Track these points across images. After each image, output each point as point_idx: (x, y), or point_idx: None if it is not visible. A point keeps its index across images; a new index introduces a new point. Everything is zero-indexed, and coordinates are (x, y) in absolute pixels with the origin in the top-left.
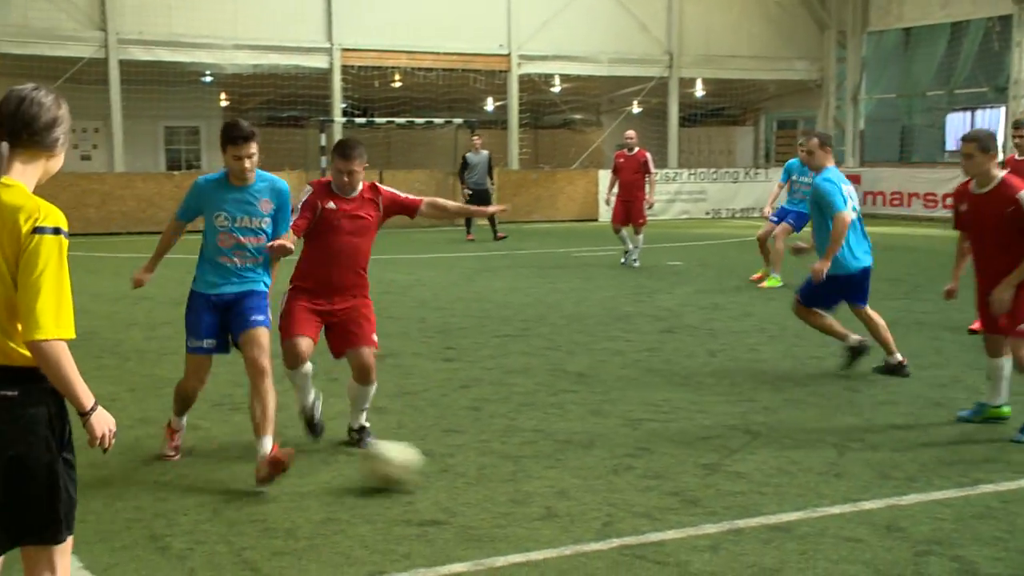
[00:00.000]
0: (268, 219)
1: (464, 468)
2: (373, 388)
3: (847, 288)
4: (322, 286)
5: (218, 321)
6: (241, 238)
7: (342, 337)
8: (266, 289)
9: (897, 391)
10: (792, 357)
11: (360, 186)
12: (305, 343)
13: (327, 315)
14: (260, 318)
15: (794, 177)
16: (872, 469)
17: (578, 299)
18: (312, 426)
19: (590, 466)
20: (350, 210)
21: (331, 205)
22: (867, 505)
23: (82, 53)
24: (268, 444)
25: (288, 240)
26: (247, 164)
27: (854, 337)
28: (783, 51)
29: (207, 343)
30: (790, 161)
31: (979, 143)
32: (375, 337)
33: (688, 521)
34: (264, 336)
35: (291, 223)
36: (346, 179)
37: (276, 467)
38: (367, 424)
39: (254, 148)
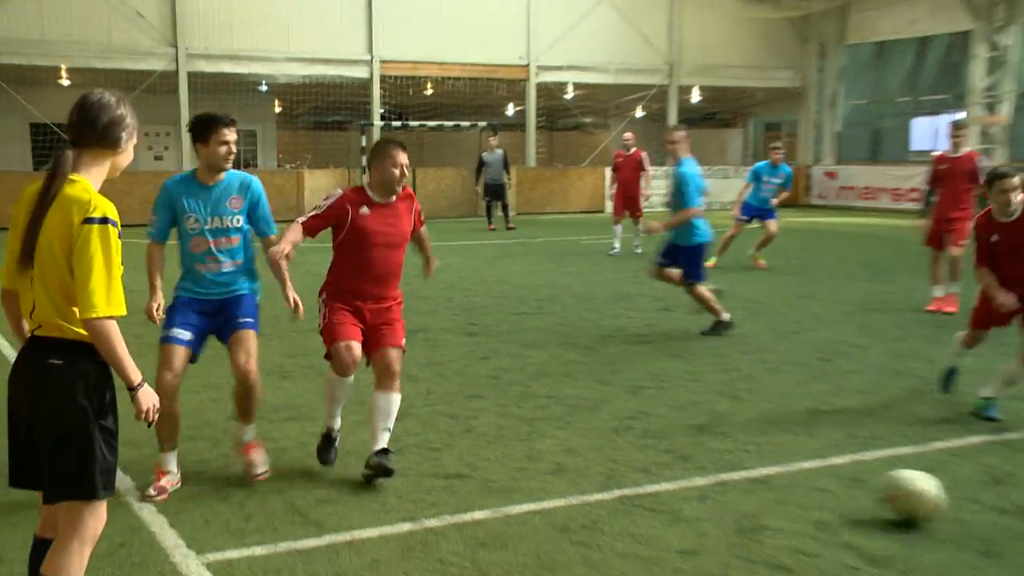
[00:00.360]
0: (241, 216)
1: (485, 429)
2: (397, 399)
3: (688, 258)
4: (357, 295)
5: (201, 322)
6: (212, 240)
7: (370, 339)
8: (253, 293)
9: (863, 362)
10: (772, 331)
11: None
12: (357, 348)
13: (363, 319)
14: (249, 320)
15: (764, 177)
16: (840, 429)
17: (586, 281)
18: (328, 448)
19: (595, 427)
20: (386, 220)
21: (364, 211)
22: (835, 460)
23: (156, 66)
24: (251, 433)
25: (285, 247)
26: (233, 148)
27: (725, 317)
28: (770, 62)
29: (177, 332)
30: (759, 164)
31: (1020, 178)
32: (403, 341)
33: (680, 475)
34: (252, 340)
35: (302, 219)
36: (400, 173)
37: (250, 468)
38: (389, 448)
39: (235, 135)
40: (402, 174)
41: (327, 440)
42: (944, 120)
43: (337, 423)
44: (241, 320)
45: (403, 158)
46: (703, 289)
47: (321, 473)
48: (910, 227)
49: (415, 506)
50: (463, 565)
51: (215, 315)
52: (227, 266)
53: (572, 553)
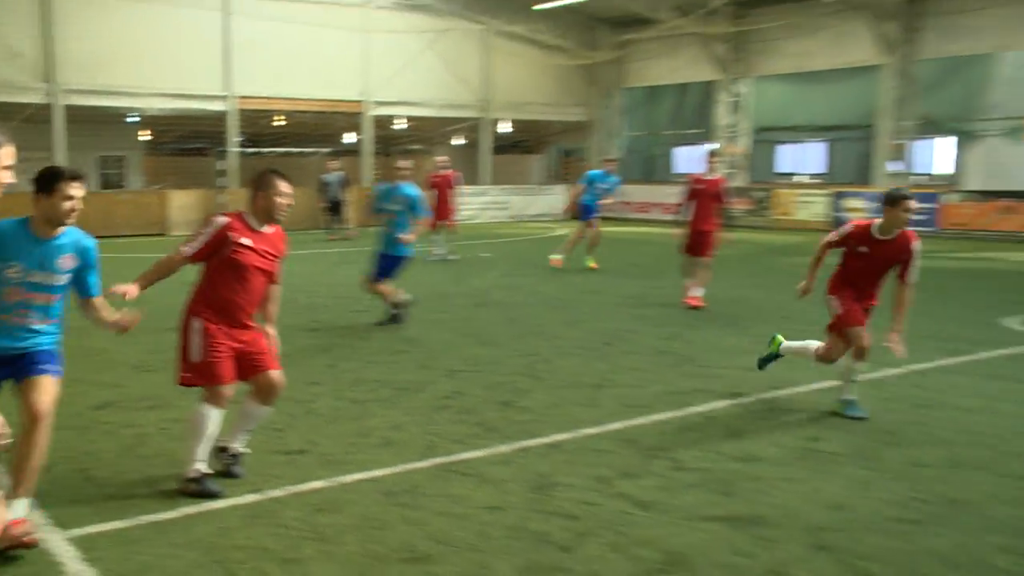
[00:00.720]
0: (66, 276)
1: (323, 411)
2: (270, 412)
3: (392, 265)
4: (230, 322)
5: None
6: (29, 294)
7: (249, 365)
8: (57, 347)
9: (637, 344)
10: (566, 322)
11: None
12: (231, 391)
13: (237, 349)
14: (49, 367)
15: (596, 183)
16: (617, 400)
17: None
18: (208, 482)
19: (418, 406)
20: (263, 249)
21: (246, 241)
22: (613, 426)
23: (33, 100)
24: (20, 509)
25: (137, 285)
26: (78, 205)
27: (403, 298)
28: (565, 100)
29: None
30: (593, 171)
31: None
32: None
33: (488, 444)
34: (50, 385)
35: (188, 251)
36: (285, 202)
37: (14, 544)
38: (246, 450)
39: (83, 191)
40: (287, 203)
41: (201, 480)
42: (699, 149)
43: (204, 465)
44: (41, 367)
45: (288, 188)
46: (381, 286)
47: (176, 455)
48: (673, 235)
49: (260, 479)
50: (301, 528)
51: (10, 364)
52: (36, 323)
53: (396, 513)
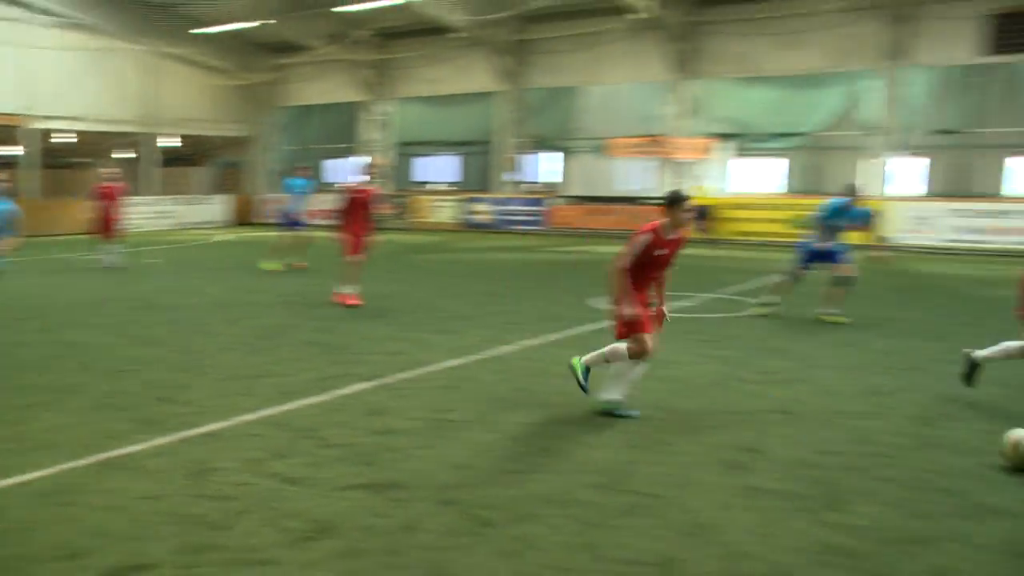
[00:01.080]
0: None
1: None
2: None
3: None
4: None
5: None
6: None
7: None
8: None
9: (293, 337)
10: (225, 320)
11: None
12: None
13: None
14: None
15: (298, 191)
16: (273, 388)
17: (76, 290)
18: None
19: (79, 408)
20: None
21: None
22: (266, 412)
23: None
24: None
25: None
26: None
27: None
28: (226, 117)
29: None
30: (296, 180)
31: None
32: None
33: (148, 438)
34: None
35: None
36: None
37: None
38: None
39: None
40: None
41: None
42: (348, 161)
43: None
44: None
45: None
46: None
47: None
48: (328, 239)
49: None
50: None
51: None
52: None
53: (51, 513)
